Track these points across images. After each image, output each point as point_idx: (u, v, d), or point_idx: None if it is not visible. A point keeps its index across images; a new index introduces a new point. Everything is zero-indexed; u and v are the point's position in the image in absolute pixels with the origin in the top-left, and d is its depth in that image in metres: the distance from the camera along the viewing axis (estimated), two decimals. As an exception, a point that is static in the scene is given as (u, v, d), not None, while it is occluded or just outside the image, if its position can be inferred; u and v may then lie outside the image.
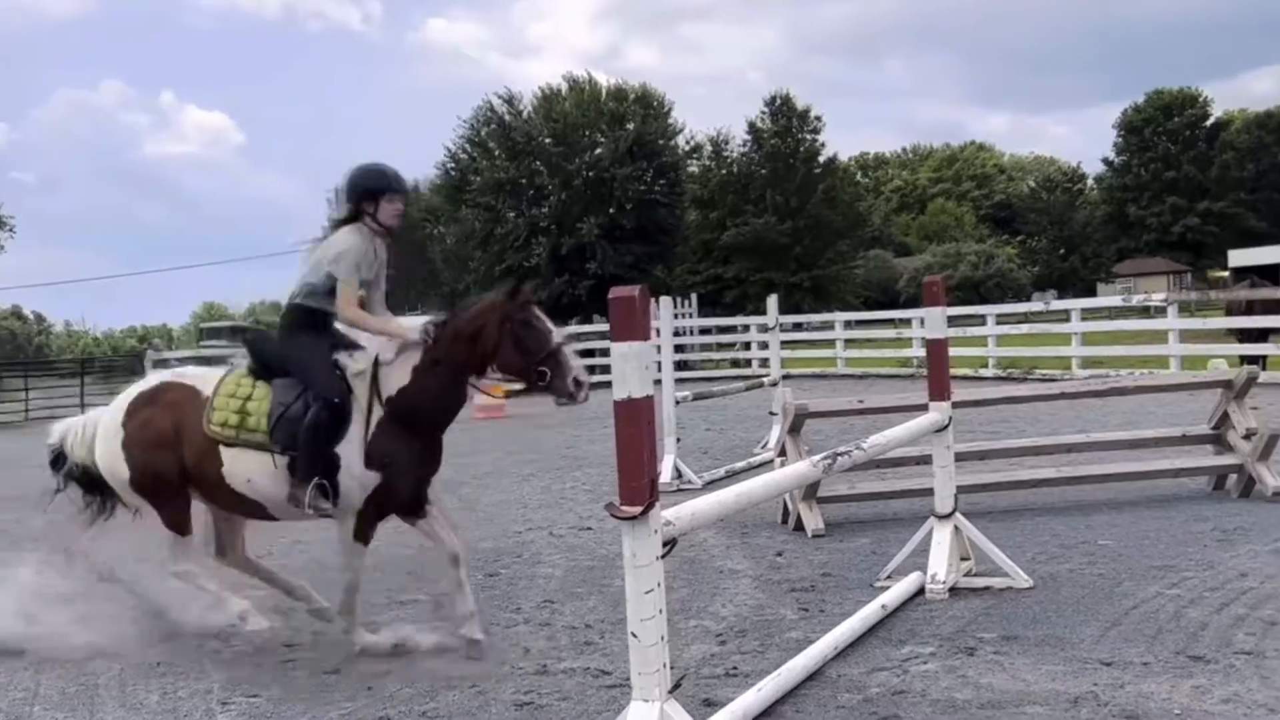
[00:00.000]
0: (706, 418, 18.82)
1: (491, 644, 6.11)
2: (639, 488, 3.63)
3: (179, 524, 6.48)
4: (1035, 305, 39.24)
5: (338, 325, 6.34)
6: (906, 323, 31.55)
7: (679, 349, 31.89)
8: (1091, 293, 65.28)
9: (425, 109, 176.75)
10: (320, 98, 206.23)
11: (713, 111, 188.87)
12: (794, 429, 9.19)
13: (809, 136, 64.27)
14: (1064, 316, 27.60)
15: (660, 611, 3.77)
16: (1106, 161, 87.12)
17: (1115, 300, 30.42)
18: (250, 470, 6.19)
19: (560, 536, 9.36)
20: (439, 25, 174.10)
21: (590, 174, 52.81)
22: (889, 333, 33.00)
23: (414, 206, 52.77)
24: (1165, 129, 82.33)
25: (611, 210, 52.50)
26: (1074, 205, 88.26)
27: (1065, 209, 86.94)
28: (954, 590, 6.74)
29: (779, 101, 64.86)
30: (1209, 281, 63.98)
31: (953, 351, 25.36)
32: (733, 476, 11.72)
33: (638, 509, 3.62)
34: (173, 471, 6.34)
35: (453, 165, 56.77)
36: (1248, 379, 9.30)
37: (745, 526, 9.11)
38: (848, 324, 32.36)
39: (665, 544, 3.77)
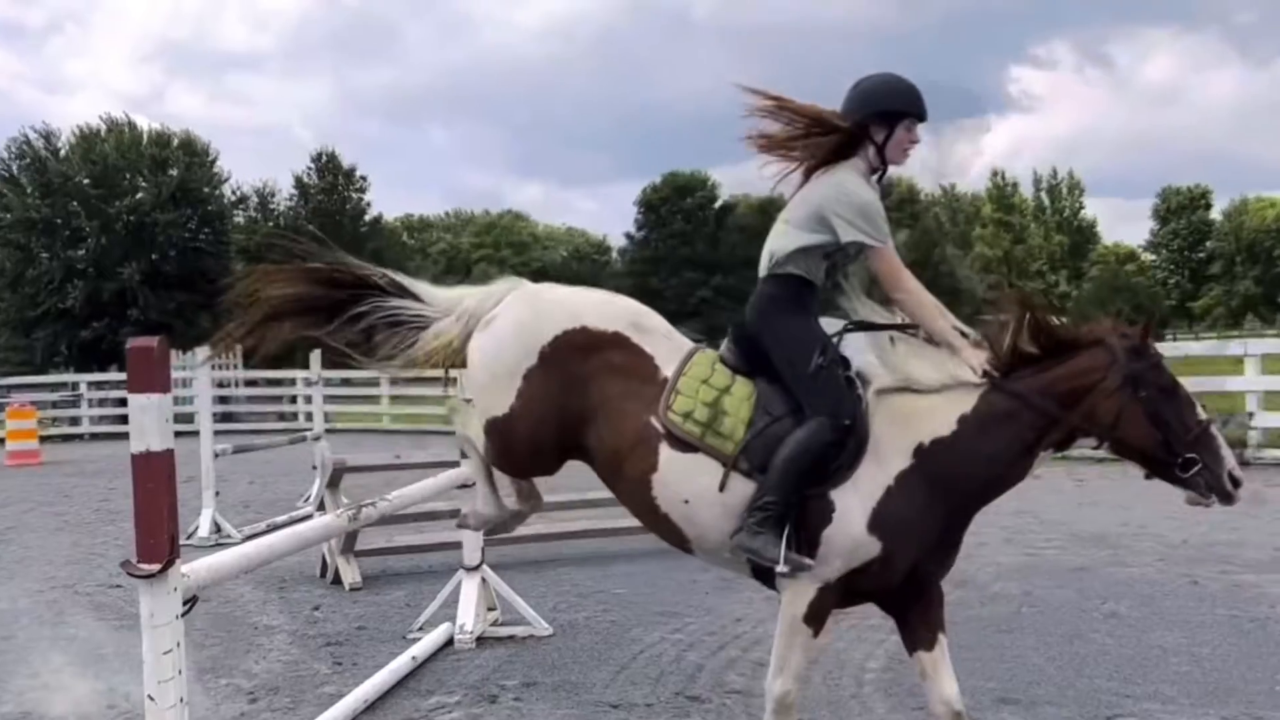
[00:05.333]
0: (250, 471, 18.10)
1: None
2: (158, 544, 3.39)
3: (507, 471, 4.71)
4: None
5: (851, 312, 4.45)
6: (454, 380, 31.53)
7: (224, 400, 30.63)
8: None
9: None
10: None
11: (260, 163, 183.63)
12: (333, 483, 9.00)
13: (355, 195, 63.83)
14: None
15: (180, 672, 3.55)
16: (629, 236, 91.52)
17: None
18: (694, 488, 4.24)
19: (87, 595, 8.70)
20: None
21: (131, 218, 49.73)
22: (436, 390, 32.93)
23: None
24: (680, 208, 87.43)
25: (154, 256, 49.81)
26: (602, 275, 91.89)
27: (594, 278, 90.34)
28: (481, 640, 6.80)
29: (325, 158, 64.10)
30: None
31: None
32: (274, 531, 11.30)
33: (156, 566, 3.39)
34: (552, 455, 4.51)
35: (-23, 199, 52.05)
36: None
37: (283, 580, 8.82)
38: (394, 380, 32.10)
39: (186, 601, 3.53)
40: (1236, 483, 4.09)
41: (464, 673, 6.22)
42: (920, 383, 4.21)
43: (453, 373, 4.99)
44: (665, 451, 4.25)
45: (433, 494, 6.80)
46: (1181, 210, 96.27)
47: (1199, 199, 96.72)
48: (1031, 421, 4.14)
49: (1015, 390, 4.15)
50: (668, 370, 4.36)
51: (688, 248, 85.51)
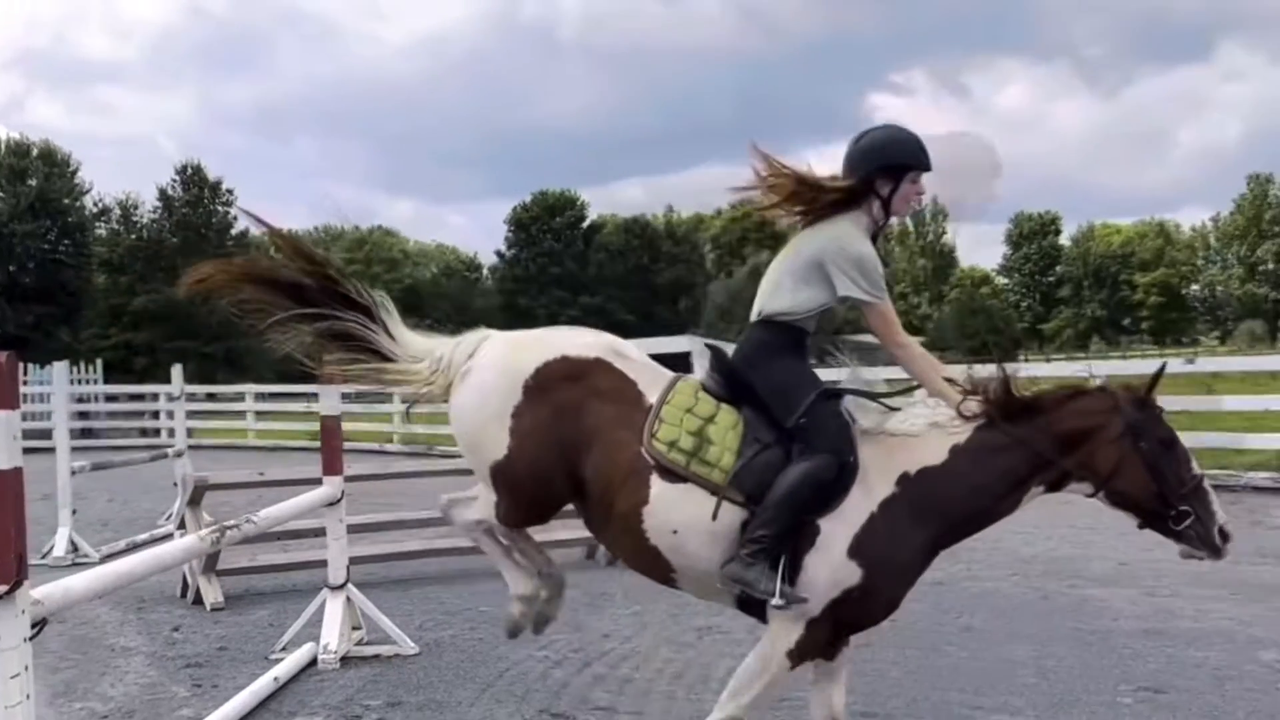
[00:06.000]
0: (110, 488, 17.52)
1: None
2: (4, 564, 3.24)
3: (513, 523, 4.54)
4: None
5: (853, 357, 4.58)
6: (317, 397, 31.01)
7: (84, 416, 29.68)
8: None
9: None
10: None
11: (122, 175, 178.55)
12: (194, 501, 8.76)
13: (221, 208, 62.60)
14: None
15: (29, 696, 3.40)
16: (499, 253, 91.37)
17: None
18: (684, 518, 4.18)
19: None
20: None
21: (-14, 228, 48.29)
22: (301, 406, 32.45)
23: None
24: (550, 227, 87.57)
25: (12, 268, 48.22)
26: (472, 293, 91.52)
27: (465, 296, 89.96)
28: (345, 659, 6.68)
29: (190, 170, 62.78)
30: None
31: (361, 426, 25.44)
32: (134, 549, 10.98)
33: (3, 587, 3.24)
34: (562, 483, 4.34)
35: None
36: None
37: (142, 601, 8.56)
38: (259, 396, 31.49)
39: (35, 624, 3.38)
40: (1226, 537, 4.13)
41: (327, 693, 6.10)
42: (910, 432, 4.22)
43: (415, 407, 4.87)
44: (656, 483, 4.19)
45: (299, 513, 6.68)
46: (1033, 235, 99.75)
47: (1049, 225, 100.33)
48: (1026, 457, 4.16)
49: (1012, 429, 4.15)
50: (652, 396, 4.31)
51: (557, 266, 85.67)
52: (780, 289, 4.36)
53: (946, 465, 4.15)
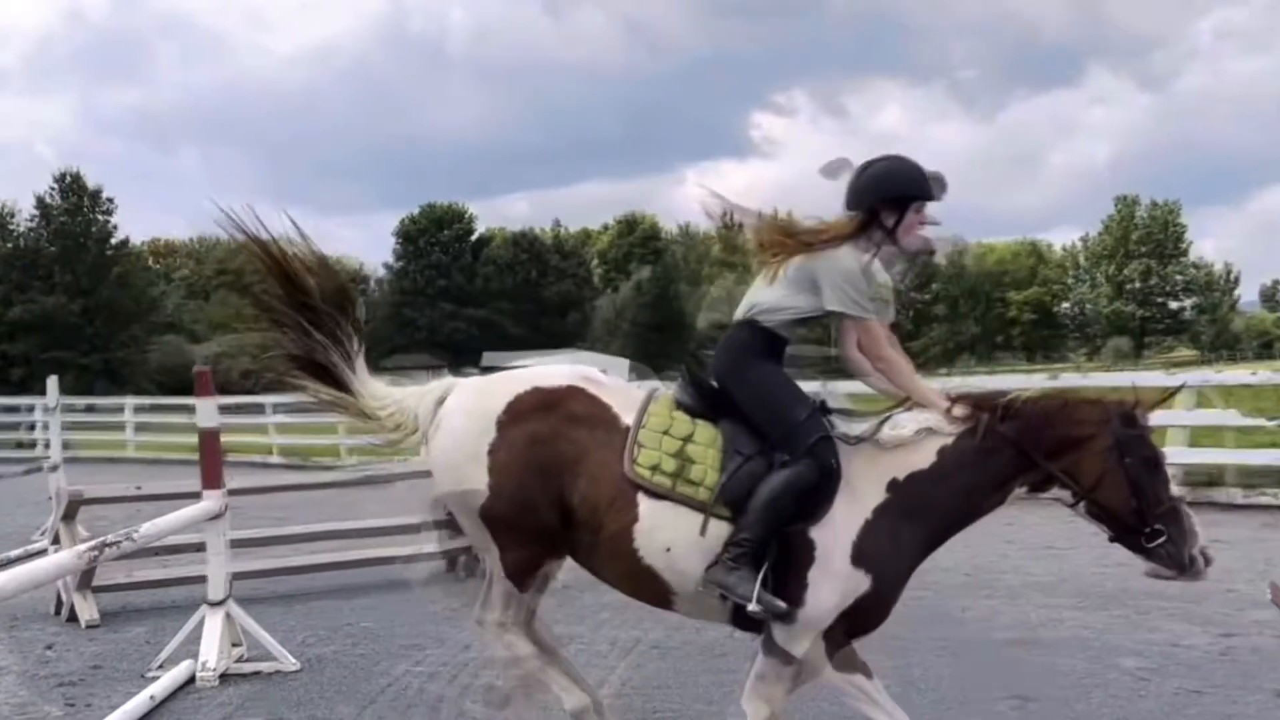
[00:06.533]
0: (-19, 502, 17.00)
1: None
2: None
3: (521, 574, 4.48)
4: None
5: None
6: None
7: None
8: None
9: None
10: None
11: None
12: (69, 515, 8.53)
13: (101, 217, 61.10)
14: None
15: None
16: (388, 266, 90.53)
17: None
18: (676, 535, 4.21)
19: None
20: None
21: None
22: (182, 418, 31.72)
23: None
24: (438, 240, 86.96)
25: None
26: (360, 304, 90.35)
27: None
28: (225, 677, 6.57)
29: (69, 179, 61.16)
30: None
31: (241, 439, 24.95)
32: (7, 565, 10.64)
33: None
34: (549, 510, 4.34)
35: None
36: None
37: (14, 619, 8.32)
38: (139, 408, 30.73)
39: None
40: (1207, 560, 4.17)
41: (205, 711, 5.99)
42: (899, 439, 4.27)
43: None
44: (644, 503, 4.21)
45: (181, 527, 6.56)
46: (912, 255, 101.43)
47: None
48: (1013, 458, 4.24)
49: (1001, 430, 4.23)
50: (628, 418, 4.33)
51: (445, 279, 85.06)
52: (771, 295, 4.41)
53: (935, 467, 4.24)
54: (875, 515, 4.20)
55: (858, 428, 4.31)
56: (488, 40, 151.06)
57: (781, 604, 4.07)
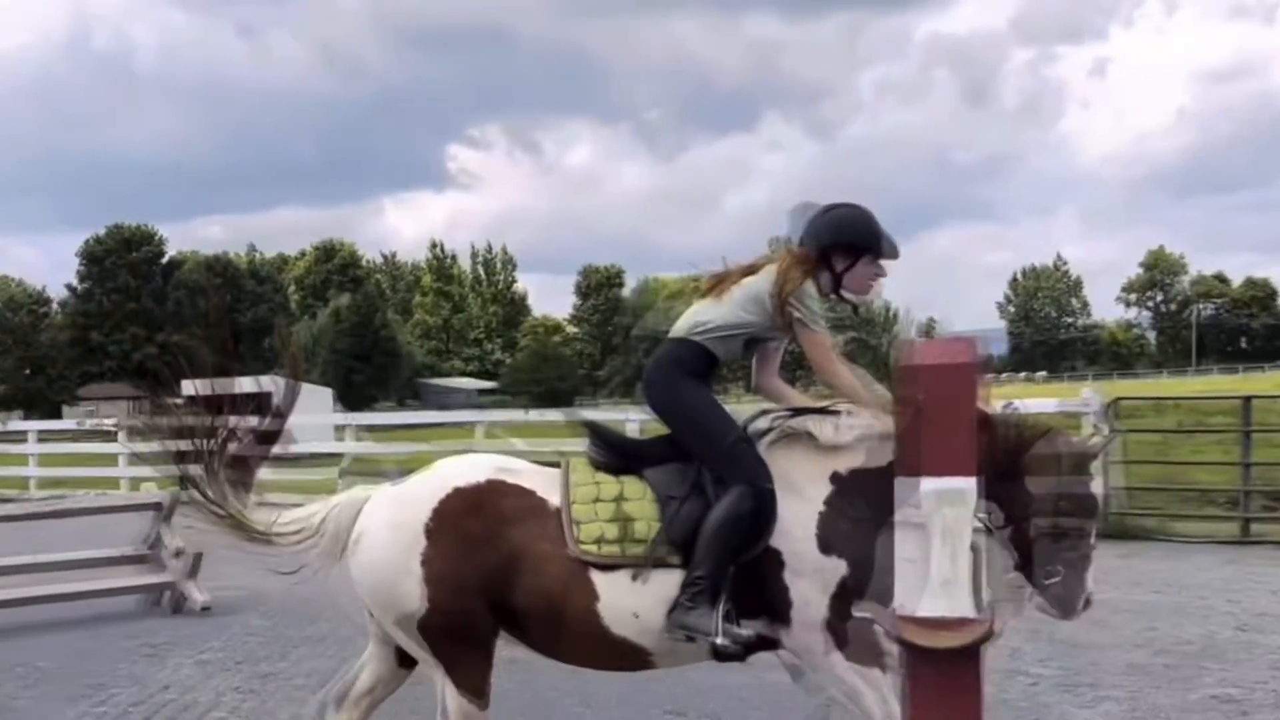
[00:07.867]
0: None
1: None
2: None
3: (478, 687, 4.19)
4: (-6, 425, 36.79)
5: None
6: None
7: None
8: (58, 415, 62.75)
9: None
10: None
11: None
12: None
13: None
14: (22, 437, 26.17)
15: None
16: (71, 288, 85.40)
17: (73, 424, 29.76)
18: (637, 600, 4.05)
19: None
20: None
21: None
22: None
23: None
24: (127, 261, 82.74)
25: None
26: (39, 327, 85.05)
27: (30, 330, 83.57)
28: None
29: None
30: (160, 408, 65.27)
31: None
32: None
33: None
34: (484, 612, 4.11)
35: None
36: (174, 501, 9.20)
37: None
38: None
39: None
40: (1087, 605, 4.11)
41: None
42: (838, 441, 4.19)
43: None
44: (599, 578, 4.07)
45: None
46: (600, 287, 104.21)
47: (614, 277, 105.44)
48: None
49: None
50: (554, 500, 4.18)
51: (134, 302, 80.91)
52: (715, 312, 4.36)
53: (880, 468, 3.89)
54: (828, 505, 4.13)
55: (762, 424, 4.28)
56: (176, 58, 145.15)
57: (746, 632, 4.03)
